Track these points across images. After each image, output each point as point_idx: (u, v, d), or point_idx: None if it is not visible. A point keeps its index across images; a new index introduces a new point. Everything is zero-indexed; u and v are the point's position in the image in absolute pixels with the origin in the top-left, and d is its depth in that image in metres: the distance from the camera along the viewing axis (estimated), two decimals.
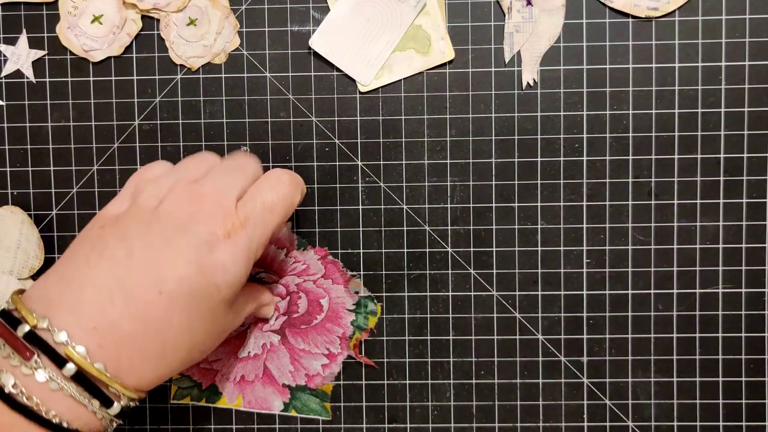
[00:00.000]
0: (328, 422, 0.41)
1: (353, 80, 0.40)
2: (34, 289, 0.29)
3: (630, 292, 0.40)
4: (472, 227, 0.40)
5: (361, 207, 0.40)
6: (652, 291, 0.40)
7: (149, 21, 0.40)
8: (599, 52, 0.39)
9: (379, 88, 0.40)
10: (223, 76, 0.40)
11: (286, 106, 0.40)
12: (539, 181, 0.40)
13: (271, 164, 0.40)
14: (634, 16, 0.39)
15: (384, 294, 0.40)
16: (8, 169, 0.41)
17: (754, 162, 0.39)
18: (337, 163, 0.40)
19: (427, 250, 0.40)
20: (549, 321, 0.40)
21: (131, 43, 0.40)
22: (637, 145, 0.39)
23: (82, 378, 0.27)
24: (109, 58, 0.40)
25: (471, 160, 0.40)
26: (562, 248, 0.40)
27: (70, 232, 0.40)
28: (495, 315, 0.40)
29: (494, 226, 0.40)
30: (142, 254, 0.29)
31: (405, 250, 0.40)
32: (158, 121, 0.40)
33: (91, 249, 0.29)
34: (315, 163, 0.40)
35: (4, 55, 0.40)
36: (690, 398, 0.40)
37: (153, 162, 0.35)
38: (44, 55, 0.40)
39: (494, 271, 0.40)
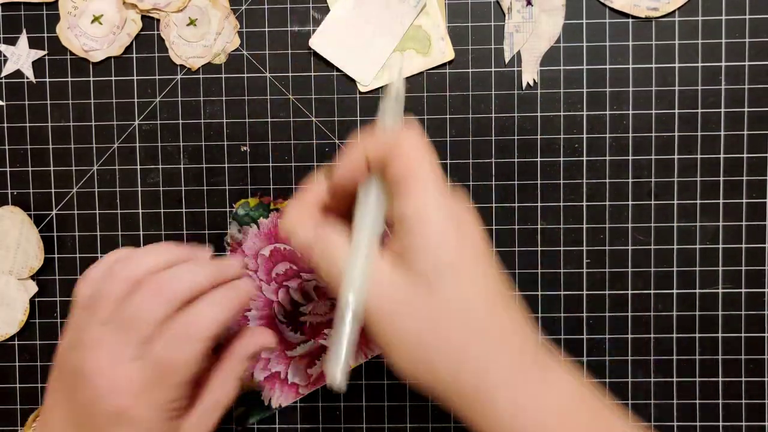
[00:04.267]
0: (328, 422, 0.41)
1: (353, 80, 0.40)
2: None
3: (630, 292, 0.40)
4: None
5: None
6: (652, 291, 0.40)
7: (149, 21, 0.40)
8: (599, 52, 0.39)
9: (379, 88, 0.40)
10: (223, 76, 0.40)
11: (286, 106, 0.40)
12: (539, 181, 0.40)
13: (270, 164, 0.40)
14: (634, 16, 0.39)
15: None
16: (8, 169, 0.41)
17: (754, 162, 0.39)
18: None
19: None
20: (549, 321, 0.40)
21: (131, 43, 0.40)
22: (637, 145, 0.39)
23: None
24: (109, 58, 0.40)
25: (471, 160, 0.40)
26: (562, 248, 0.40)
27: (70, 232, 0.40)
28: None
29: (494, 226, 0.40)
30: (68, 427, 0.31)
31: None
32: (158, 121, 0.40)
33: (47, 405, 0.32)
34: (315, 163, 0.40)
35: (4, 55, 0.40)
36: (690, 398, 0.40)
37: (86, 276, 0.32)
38: (44, 55, 0.40)
39: None
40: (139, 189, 0.40)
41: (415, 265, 0.26)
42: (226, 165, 0.40)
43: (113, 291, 0.30)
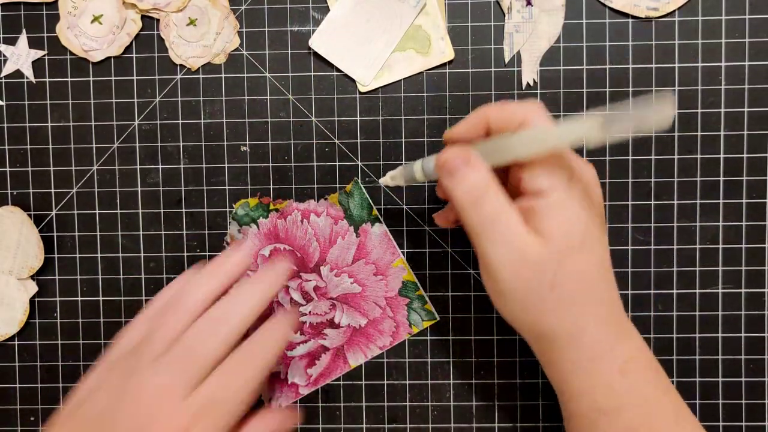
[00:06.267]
0: (328, 422, 0.41)
1: (353, 80, 0.40)
2: None
3: (630, 292, 0.40)
4: None
5: None
6: (652, 291, 0.40)
7: (149, 21, 0.40)
8: (599, 52, 0.39)
9: (379, 88, 0.40)
10: (223, 76, 0.40)
11: (286, 106, 0.40)
12: None
13: (270, 164, 0.40)
14: (634, 16, 0.39)
15: None
16: (8, 169, 0.41)
17: (754, 162, 0.39)
18: (337, 163, 0.40)
19: (427, 250, 0.40)
20: None
21: (131, 43, 0.40)
22: (637, 145, 0.39)
23: None
24: (109, 58, 0.40)
25: None
26: None
27: (70, 232, 0.40)
28: (495, 315, 0.40)
29: None
30: None
31: (405, 250, 0.40)
32: (158, 121, 0.40)
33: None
34: (315, 163, 0.40)
35: (4, 55, 0.40)
36: (690, 398, 0.40)
37: (134, 320, 0.34)
38: (44, 55, 0.40)
39: None
40: (139, 189, 0.40)
41: (550, 238, 0.30)
42: (226, 165, 0.40)
43: (167, 329, 0.31)
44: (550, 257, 0.30)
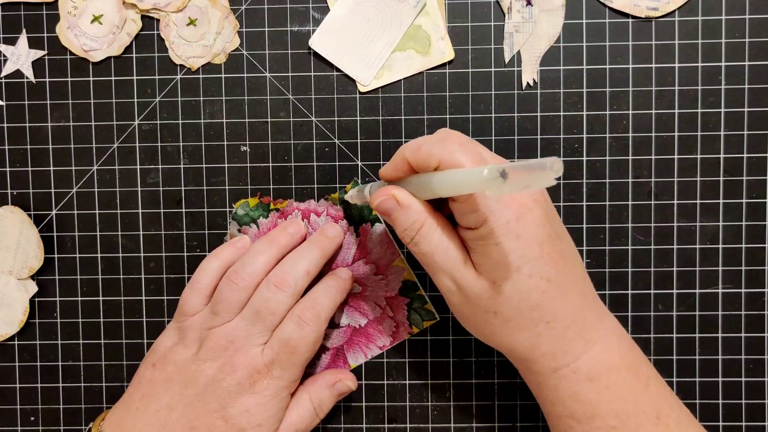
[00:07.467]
0: (328, 422, 0.41)
1: (353, 80, 0.40)
2: (105, 427, 0.36)
3: (630, 292, 0.40)
4: None
5: None
6: (652, 291, 0.40)
7: (149, 21, 0.40)
8: (599, 52, 0.39)
9: (379, 88, 0.40)
10: (223, 76, 0.40)
11: (286, 106, 0.40)
12: None
13: (270, 164, 0.40)
14: (634, 16, 0.39)
15: None
16: (8, 169, 0.41)
17: (754, 162, 0.39)
18: (337, 163, 0.40)
19: None
20: None
21: (131, 43, 0.40)
22: (637, 145, 0.39)
23: None
24: (109, 58, 0.40)
25: None
26: None
27: (70, 232, 0.40)
28: None
29: None
30: (180, 407, 0.35)
31: (405, 250, 0.40)
32: (158, 121, 0.40)
33: (141, 397, 0.35)
34: (315, 163, 0.40)
35: (4, 55, 0.40)
36: (690, 398, 0.40)
37: (189, 290, 0.37)
38: (44, 55, 0.40)
39: None
40: (139, 189, 0.40)
41: (482, 271, 0.31)
42: (226, 165, 0.40)
43: (236, 296, 0.36)
44: (485, 289, 0.31)
